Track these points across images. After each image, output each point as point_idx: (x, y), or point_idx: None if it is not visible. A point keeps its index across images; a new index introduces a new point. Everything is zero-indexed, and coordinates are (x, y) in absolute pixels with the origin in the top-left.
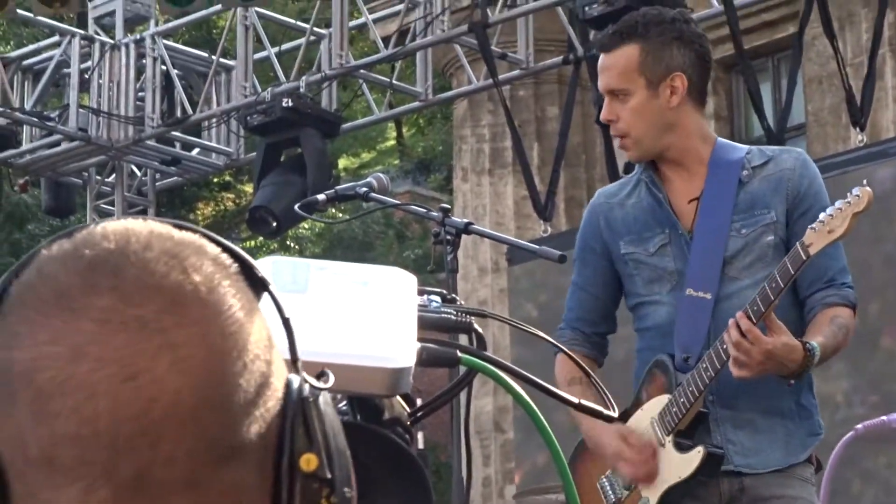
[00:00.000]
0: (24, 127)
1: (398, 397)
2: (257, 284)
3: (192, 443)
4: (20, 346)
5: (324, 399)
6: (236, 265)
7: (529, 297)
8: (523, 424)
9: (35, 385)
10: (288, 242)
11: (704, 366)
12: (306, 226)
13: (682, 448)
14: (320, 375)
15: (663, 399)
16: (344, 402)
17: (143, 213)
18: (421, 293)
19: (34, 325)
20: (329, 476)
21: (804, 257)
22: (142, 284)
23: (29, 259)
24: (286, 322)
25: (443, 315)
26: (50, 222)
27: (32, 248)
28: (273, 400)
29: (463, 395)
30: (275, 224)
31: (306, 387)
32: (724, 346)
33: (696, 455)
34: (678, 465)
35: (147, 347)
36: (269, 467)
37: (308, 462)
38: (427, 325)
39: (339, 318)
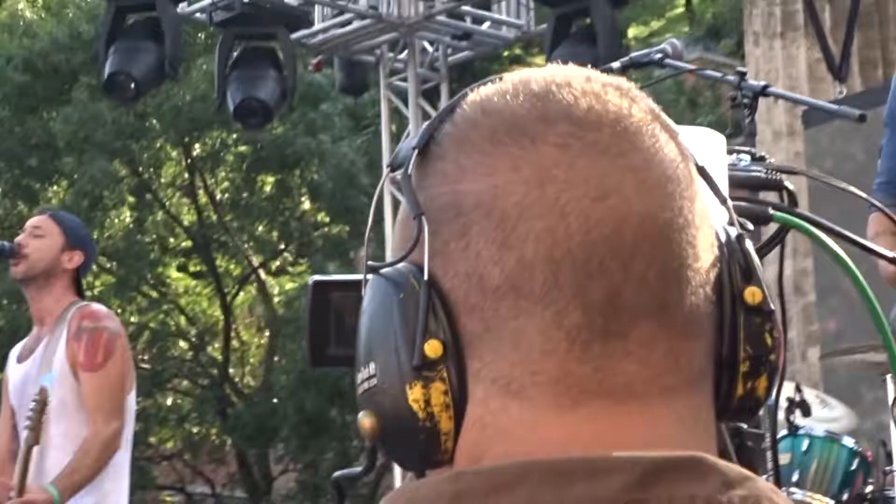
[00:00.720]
0: (316, 7)
1: None
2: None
3: (660, 264)
4: (469, 178)
5: (748, 241)
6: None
7: (820, 162)
8: (820, 286)
9: (497, 213)
10: None
11: None
12: None
13: None
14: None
15: None
16: None
17: (436, 88)
18: (730, 152)
19: (487, 156)
20: (772, 309)
21: None
22: (594, 112)
23: (454, 106)
24: (701, 169)
25: (753, 173)
26: (343, 100)
27: (327, 127)
28: (713, 233)
29: (773, 254)
30: None
31: (737, 226)
32: None
33: None
34: None
35: (611, 169)
36: (714, 301)
37: (752, 295)
38: (737, 183)
39: None
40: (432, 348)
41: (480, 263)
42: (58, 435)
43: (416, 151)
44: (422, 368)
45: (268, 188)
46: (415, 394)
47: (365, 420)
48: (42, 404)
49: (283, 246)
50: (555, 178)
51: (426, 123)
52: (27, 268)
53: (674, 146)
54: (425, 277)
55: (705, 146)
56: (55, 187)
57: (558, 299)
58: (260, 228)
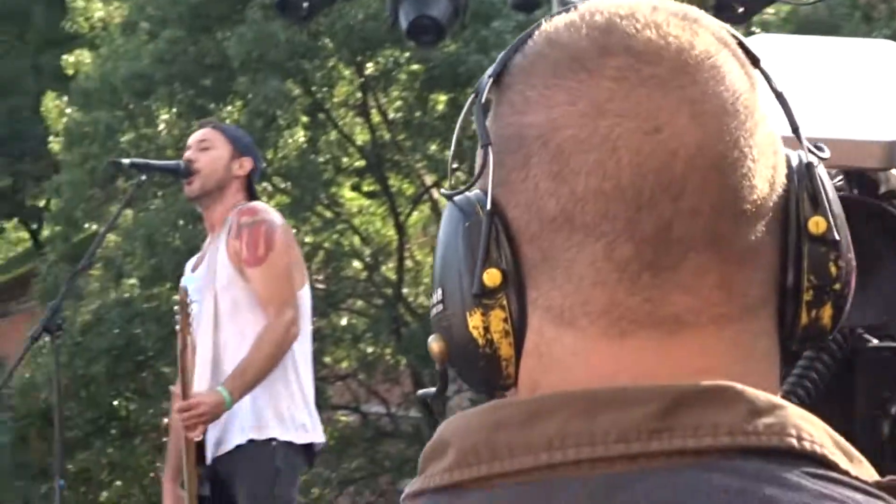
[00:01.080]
0: None
1: (894, 171)
2: (750, 59)
3: (713, 197)
4: (532, 110)
5: (821, 168)
6: (731, 38)
7: None
8: None
9: (553, 145)
10: (752, 29)
11: None
12: (771, 11)
13: None
14: (816, 149)
15: None
16: (840, 178)
17: None
18: None
19: (548, 88)
20: (837, 238)
21: None
22: (655, 45)
23: (528, 35)
24: (779, 94)
25: None
26: (516, 17)
27: (499, 45)
28: (780, 164)
29: None
30: (741, 10)
31: (808, 154)
32: None
33: None
34: None
35: (666, 102)
36: (778, 231)
37: (816, 225)
38: None
39: (831, 93)
40: (491, 277)
41: (538, 195)
42: (234, 335)
43: (492, 80)
44: (481, 296)
45: (440, 107)
46: (474, 321)
47: (434, 344)
48: (184, 305)
49: (455, 165)
50: (609, 111)
51: (503, 52)
52: (202, 182)
53: (740, 76)
54: (488, 207)
55: (886, 60)
56: (229, 107)
57: (609, 232)
58: (433, 147)
